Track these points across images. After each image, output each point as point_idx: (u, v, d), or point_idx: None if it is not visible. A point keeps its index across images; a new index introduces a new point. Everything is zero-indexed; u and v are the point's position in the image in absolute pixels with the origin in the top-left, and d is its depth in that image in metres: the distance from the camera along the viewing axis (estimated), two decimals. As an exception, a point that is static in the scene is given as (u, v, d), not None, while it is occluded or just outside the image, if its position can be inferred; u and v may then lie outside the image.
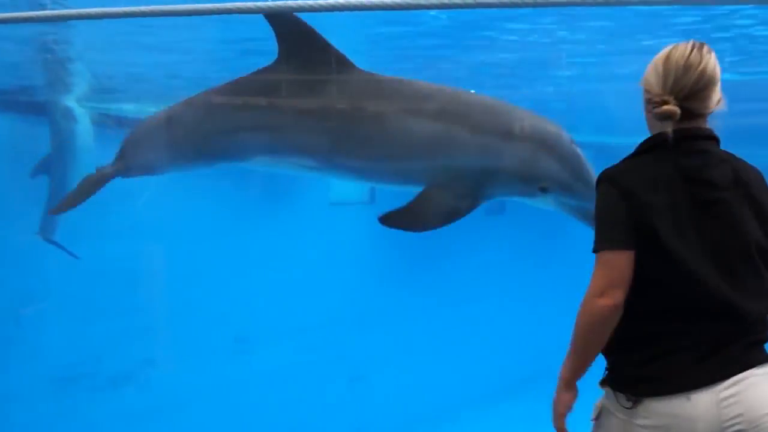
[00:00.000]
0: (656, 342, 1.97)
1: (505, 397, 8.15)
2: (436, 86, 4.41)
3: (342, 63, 4.27)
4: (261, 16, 6.46)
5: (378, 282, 9.06)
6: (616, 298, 1.93)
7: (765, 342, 2.03)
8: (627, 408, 1.98)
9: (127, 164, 5.18)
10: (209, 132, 4.62)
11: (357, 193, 8.43)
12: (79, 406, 6.92)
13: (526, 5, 2.30)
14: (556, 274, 9.74)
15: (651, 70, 2.03)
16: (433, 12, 6.75)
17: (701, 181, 1.98)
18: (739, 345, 1.98)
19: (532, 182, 4.05)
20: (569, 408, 2.09)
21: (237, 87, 4.57)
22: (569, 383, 2.06)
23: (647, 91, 2.03)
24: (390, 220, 4.32)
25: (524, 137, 4.09)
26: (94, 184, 5.27)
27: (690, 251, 1.94)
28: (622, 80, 10.15)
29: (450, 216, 4.17)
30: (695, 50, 1.97)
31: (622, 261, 1.94)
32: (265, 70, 4.40)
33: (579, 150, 4.15)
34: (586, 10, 6.48)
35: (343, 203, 8.63)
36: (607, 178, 2.01)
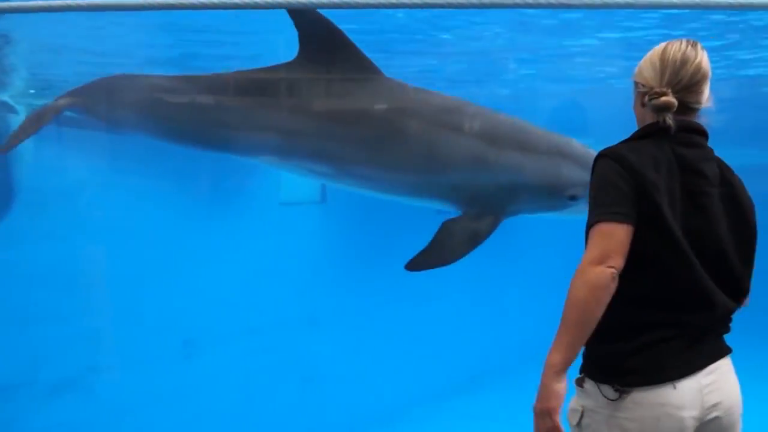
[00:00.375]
0: (646, 331, 1.96)
1: (455, 394, 8.21)
2: (459, 100, 4.30)
3: (367, 68, 4.11)
4: (208, 18, 6.33)
5: (329, 282, 8.99)
6: (615, 263, 1.87)
7: (727, 334, 2.11)
8: (612, 400, 1.95)
9: (88, 101, 4.92)
10: (210, 118, 4.39)
11: (308, 192, 8.36)
12: (18, 416, 6.66)
13: (519, 6, 2.31)
14: (506, 273, 9.85)
15: (646, 64, 2.05)
16: (381, 11, 6.73)
17: (695, 171, 2.02)
18: (712, 336, 2.05)
19: (560, 193, 4.03)
20: (563, 400, 1.93)
21: (248, 79, 4.36)
22: (561, 371, 1.90)
23: (642, 85, 2.05)
24: (417, 264, 4.22)
25: (544, 150, 4.09)
26: (44, 115, 4.99)
27: (682, 237, 1.96)
28: (572, 82, 10.37)
29: (473, 240, 4.09)
30: (690, 46, 2.02)
31: (623, 232, 1.89)
32: (282, 67, 4.20)
33: (593, 151, 4.19)
34: (537, 12, 6.55)
35: (293, 203, 8.54)
36: (609, 154, 1.98)
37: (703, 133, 2.07)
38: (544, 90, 10.67)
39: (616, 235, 1.88)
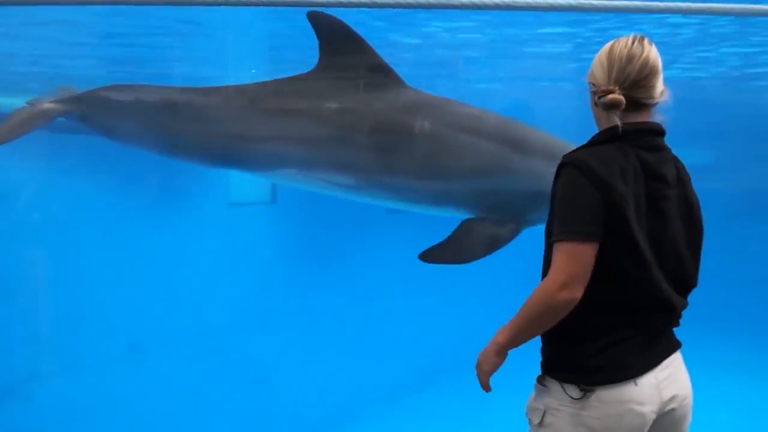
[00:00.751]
0: (608, 332, 2.00)
1: (407, 393, 8.22)
2: (480, 109, 4.22)
3: (389, 76, 4.03)
4: (141, 12, 6.15)
5: (278, 282, 8.89)
6: (577, 292, 1.91)
7: (677, 328, 2.18)
8: (577, 399, 1.98)
9: (86, 110, 4.60)
10: (231, 132, 4.21)
11: (258, 192, 8.25)
12: (-46, 426, 6.38)
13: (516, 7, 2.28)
14: (455, 272, 9.90)
15: (596, 64, 2.05)
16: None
17: (657, 176, 2.03)
18: (667, 332, 2.11)
19: None
20: (496, 369, 2.07)
21: (268, 90, 4.20)
22: (504, 350, 2.04)
23: (593, 84, 2.04)
24: (431, 256, 4.14)
25: None
26: (35, 118, 4.64)
27: (646, 245, 1.99)
28: (518, 82, 10.51)
29: (492, 244, 4.04)
30: (636, 42, 2.01)
31: (589, 254, 1.91)
32: (303, 77, 4.07)
33: None
34: (487, 14, 6.60)
35: (243, 203, 8.42)
36: (575, 162, 1.95)
37: (662, 134, 2.09)
38: (493, 90, 10.79)
39: (584, 258, 1.90)
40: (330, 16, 3.90)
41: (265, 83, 4.18)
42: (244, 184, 7.97)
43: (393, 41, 8.05)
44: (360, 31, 3.97)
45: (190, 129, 4.39)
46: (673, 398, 2.06)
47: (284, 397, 7.41)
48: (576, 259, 1.90)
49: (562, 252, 1.91)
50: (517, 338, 2.01)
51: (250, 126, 4.24)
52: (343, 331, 8.55)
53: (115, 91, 4.73)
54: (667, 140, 2.13)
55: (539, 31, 7.70)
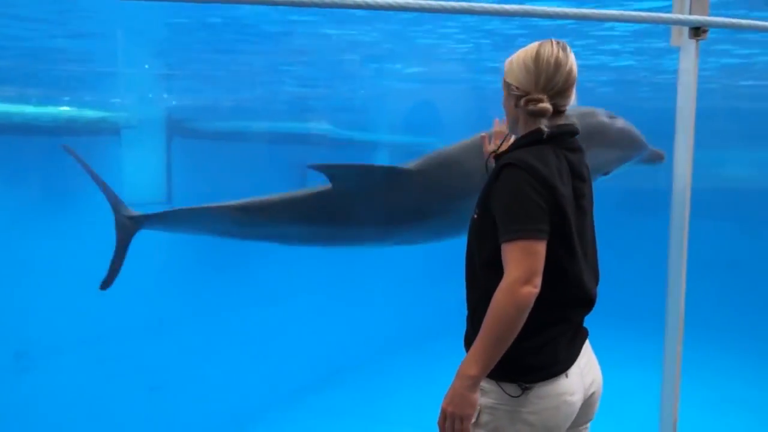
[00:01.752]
0: (544, 329, 2.04)
1: (308, 394, 8.22)
2: (471, 142, 4.21)
3: (391, 172, 4.31)
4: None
5: (173, 286, 8.67)
6: (538, 287, 1.92)
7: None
8: (515, 397, 2.01)
9: (167, 227, 5.28)
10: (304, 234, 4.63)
11: (153, 192, 8.02)
12: None
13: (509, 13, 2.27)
14: (353, 273, 9.98)
15: (519, 66, 2.05)
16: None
17: (579, 176, 2.10)
18: (582, 323, 2.19)
19: (596, 174, 4.15)
20: (477, 408, 1.97)
21: (315, 198, 4.49)
22: (479, 380, 1.94)
23: (516, 87, 2.05)
24: None
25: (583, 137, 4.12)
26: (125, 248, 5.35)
27: (578, 242, 2.05)
28: (414, 81, 10.69)
29: None
30: (561, 50, 2.04)
31: (542, 250, 1.93)
32: (324, 189, 4.39)
33: (618, 119, 4.28)
34: (382, 13, 6.68)
35: (137, 203, 8.14)
36: (519, 164, 1.98)
37: (577, 134, 2.16)
38: (395, 89, 10.92)
39: (539, 254, 1.92)
40: (335, 166, 4.32)
41: (308, 193, 4.55)
42: (139, 183, 7.72)
43: (292, 44, 8.01)
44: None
45: (265, 235, 4.85)
46: (592, 383, 2.17)
47: (184, 402, 7.25)
48: (533, 256, 1.92)
49: (518, 249, 1.92)
50: (491, 356, 1.93)
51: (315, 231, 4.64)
52: (241, 334, 8.44)
53: (183, 214, 5.14)
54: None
55: (444, 31, 7.85)
